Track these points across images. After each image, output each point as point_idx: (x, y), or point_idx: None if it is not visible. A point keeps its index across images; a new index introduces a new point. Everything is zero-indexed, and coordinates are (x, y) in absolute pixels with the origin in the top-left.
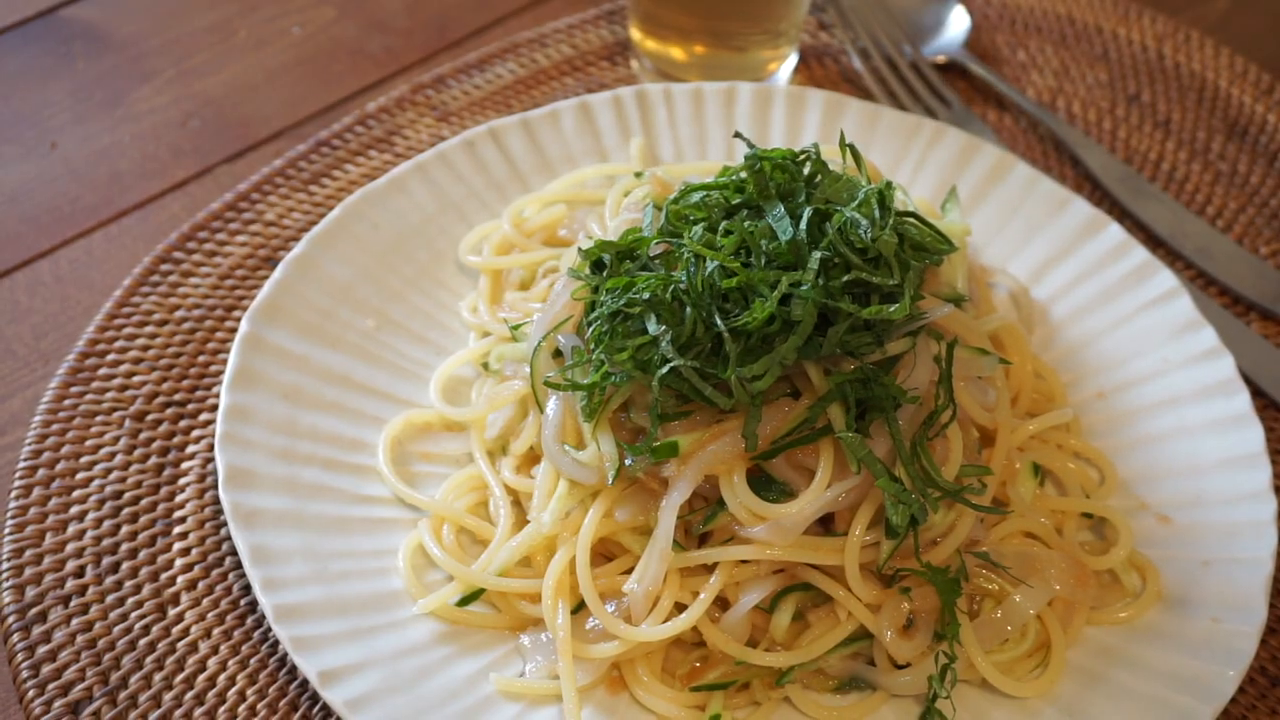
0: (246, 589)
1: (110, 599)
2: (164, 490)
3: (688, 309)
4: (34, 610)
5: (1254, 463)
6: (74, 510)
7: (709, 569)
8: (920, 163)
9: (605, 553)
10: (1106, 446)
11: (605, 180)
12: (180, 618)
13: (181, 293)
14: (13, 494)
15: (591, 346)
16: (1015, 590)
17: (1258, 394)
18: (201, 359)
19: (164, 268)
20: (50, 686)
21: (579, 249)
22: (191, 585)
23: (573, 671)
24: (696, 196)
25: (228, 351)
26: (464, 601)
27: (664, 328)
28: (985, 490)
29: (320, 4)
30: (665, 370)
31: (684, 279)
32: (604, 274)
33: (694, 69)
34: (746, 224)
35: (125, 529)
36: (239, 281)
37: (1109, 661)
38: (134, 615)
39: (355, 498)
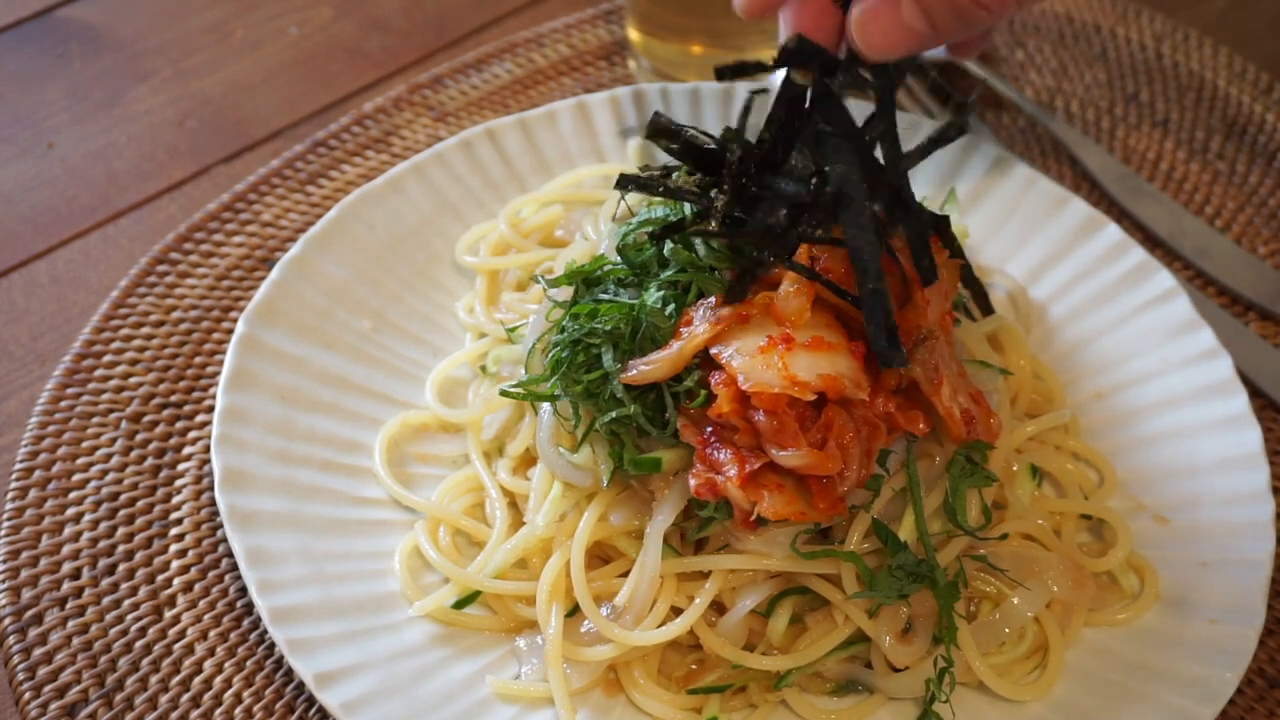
0: (243, 591)
1: (106, 601)
2: (160, 492)
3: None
4: (30, 612)
5: (1252, 463)
6: (70, 512)
7: (705, 573)
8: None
9: (601, 555)
10: (1105, 447)
11: (602, 180)
12: (177, 619)
13: (178, 294)
14: (9, 495)
15: (548, 372)
16: (1013, 592)
17: (1256, 394)
18: (198, 360)
19: (161, 268)
20: (46, 689)
21: (541, 276)
22: (188, 587)
23: (563, 676)
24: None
25: (224, 353)
26: (460, 604)
27: (619, 365)
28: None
29: (318, 4)
30: (611, 416)
31: (643, 315)
32: (574, 294)
33: (692, 69)
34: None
35: (122, 530)
36: (235, 282)
37: (1107, 663)
38: (130, 617)
39: (351, 499)
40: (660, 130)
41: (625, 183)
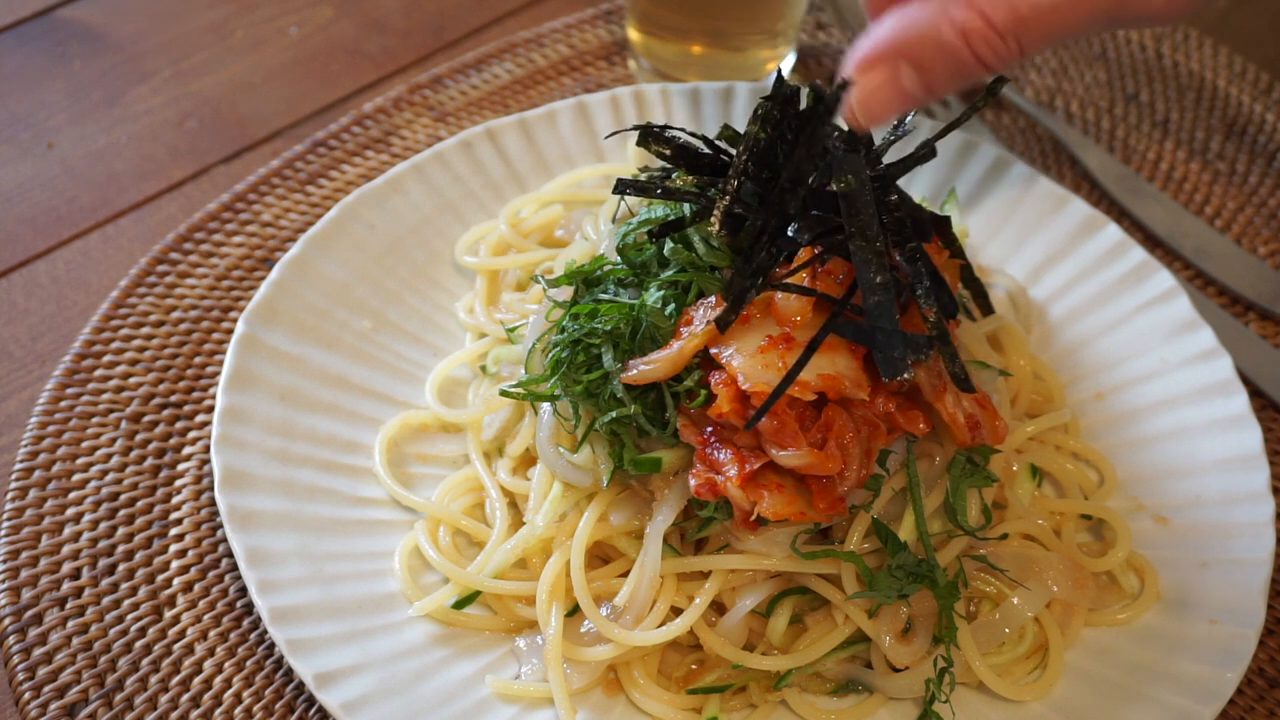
0: (243, 591)
1: (106, 601)
2: (160, 492)
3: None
4: (30, 612)
5: (1252, 464)
6: (70, 512)
7: (705, 573)
8: None
9: (601, 555)
10: (1105, 447)
11: (602, 180)
12: (177, 619)
13: (178, 294)
14: (9, 496)
15: (549, 372)
16: (1013, 592)
17: (1256, 394)
18: (198, 360)
19: (161, 269)
20: (46, 689)
21: (541, 276)
22: (188, 587)
23: (563, 676)
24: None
25: (224, 353)
26: (460, 604)
27: (619, 365)
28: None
29: (318, 4)
30: (611, 416)
31: (643, 315)
32: (574, 294)
33: (692, 69)
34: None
35: (121, 531)
36: (235, 282)
37: (1107, 663)
38: (130, 617)
39: (351, 499)
40: (651, 136)
41: (623, 187)
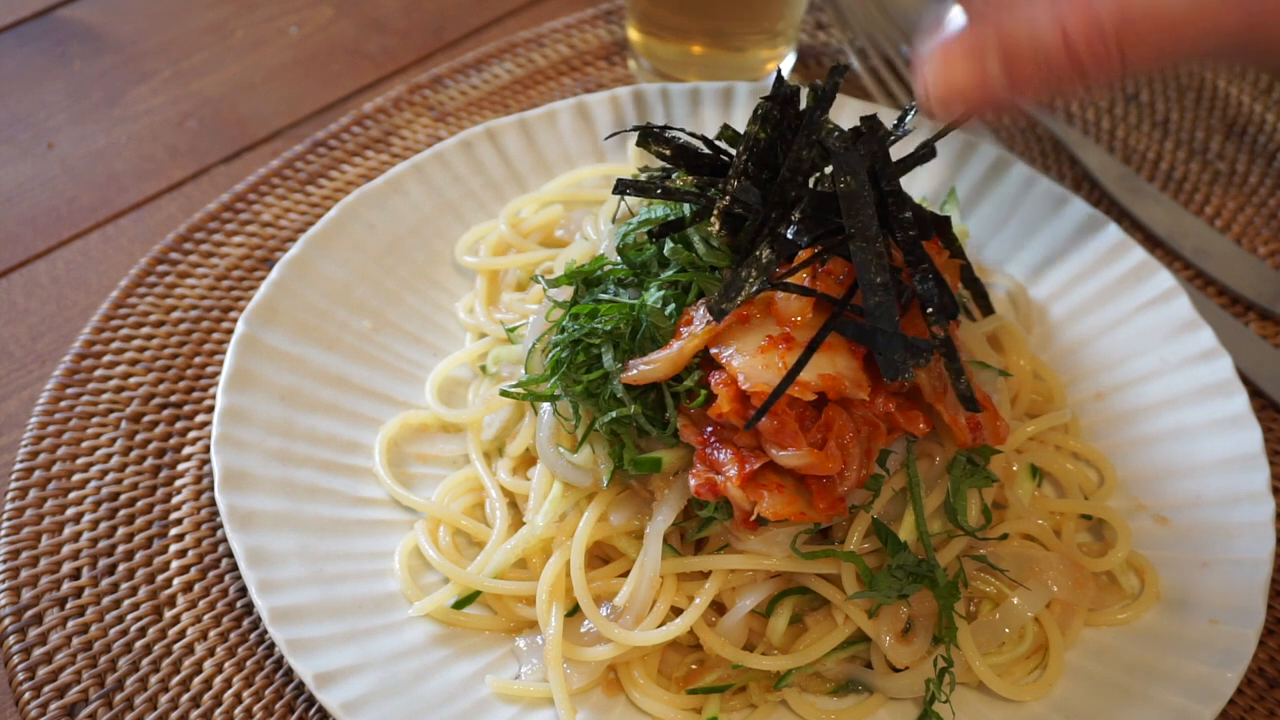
0: (243, 591)
1: (106, 601)
2: (160, 492)
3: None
4: (30, 612)
5: (1252, 463)
6: (70, 512)
7: (705, 573)
8: None
9: (601, 555)
10: (1105, 447)
11: (602, 180)
12: (177, 619)
13: (178, 294)
14: (9, 496)
15: (549, 372)
16: (1013, 592)
17: (1256, 394)
18: (198, 360)
19: (161, 269)
20: (46, 689)
21: (541, 276)
22: (188, 587)
23: (563, 676)
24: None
25: (224, 353)
26: (460, 604)
27: (619, 365)
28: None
29: (318, 4)
30: (611, 416)
31: (643, 315)
32: (574, 294)
33: (692, 69)
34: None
35: (121, 531)
36: (235, 282)
37: (1107, 663)
38: (130, 617)
39: (351, 499)
40: (651, 136)
41: (622, 187)
